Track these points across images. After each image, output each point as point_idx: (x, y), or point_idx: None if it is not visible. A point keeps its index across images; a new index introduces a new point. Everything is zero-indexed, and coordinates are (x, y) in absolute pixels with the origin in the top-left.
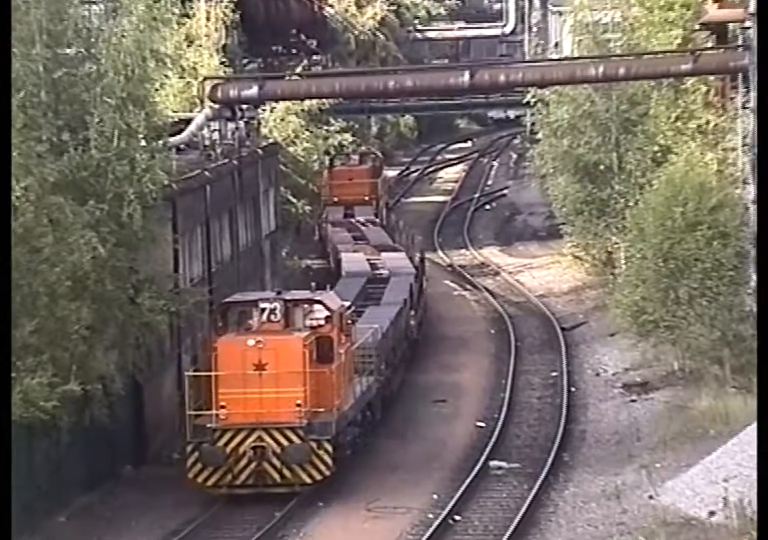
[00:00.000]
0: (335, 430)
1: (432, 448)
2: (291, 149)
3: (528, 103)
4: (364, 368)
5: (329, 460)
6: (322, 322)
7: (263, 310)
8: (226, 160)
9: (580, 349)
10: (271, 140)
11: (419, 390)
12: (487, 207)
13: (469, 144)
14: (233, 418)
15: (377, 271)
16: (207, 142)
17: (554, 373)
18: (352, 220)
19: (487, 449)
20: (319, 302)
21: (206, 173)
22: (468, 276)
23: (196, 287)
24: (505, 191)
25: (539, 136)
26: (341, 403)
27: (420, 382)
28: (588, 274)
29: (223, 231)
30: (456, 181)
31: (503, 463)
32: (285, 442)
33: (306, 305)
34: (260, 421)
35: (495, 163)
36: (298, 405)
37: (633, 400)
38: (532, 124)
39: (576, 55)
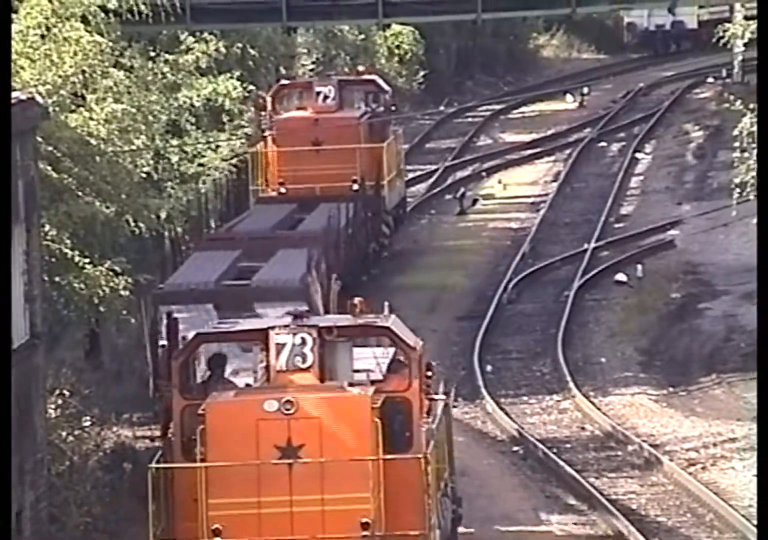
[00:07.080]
0: None
1: None
2: (71, 120)
3: None
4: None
5: None
6: (382, 372)
7: (281, 346)
8: None
9: None
10: (16, 95)
11: None
12: (621, 277)
13: (570, 103)
14: None
15: None
16: None
17: None
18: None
19: None
20: (386, 331)
21: None
22: (569, 471)
23: None
24: (674, 233)
25: None
26: (434, 524)
27: None
28: None
29: None
30: (533, 206)
31: None
32: None
33: (357, 337)
34: None
35: (642, 156)
36: (365, 526)
37: None
38: (747, 43)
39: None
